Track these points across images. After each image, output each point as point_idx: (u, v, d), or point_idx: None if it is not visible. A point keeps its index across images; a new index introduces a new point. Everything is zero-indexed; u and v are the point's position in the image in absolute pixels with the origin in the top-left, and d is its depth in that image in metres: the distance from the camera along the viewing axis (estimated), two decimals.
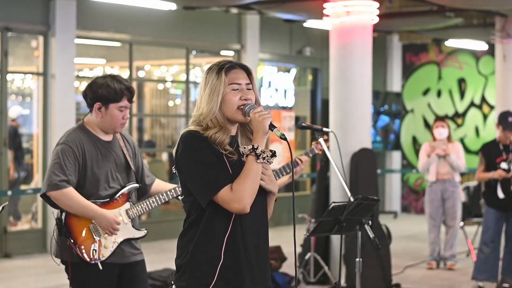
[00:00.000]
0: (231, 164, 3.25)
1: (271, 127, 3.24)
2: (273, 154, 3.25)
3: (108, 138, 4.66)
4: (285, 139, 3.21)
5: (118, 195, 4.62)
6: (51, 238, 4.61)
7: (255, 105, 3.29)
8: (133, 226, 4.67)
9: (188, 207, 3.32)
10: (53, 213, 4.80)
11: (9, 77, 10.92)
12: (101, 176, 4.56)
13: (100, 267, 4.50)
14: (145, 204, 4.69)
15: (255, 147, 3.21)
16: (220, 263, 3.21)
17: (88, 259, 4.49)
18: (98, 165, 4.56)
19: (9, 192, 10.36)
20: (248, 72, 3.34)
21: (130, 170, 4.70)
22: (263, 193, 3.32)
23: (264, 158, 3.21)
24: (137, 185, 4.72)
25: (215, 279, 3.21)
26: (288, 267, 9.01)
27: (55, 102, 10.88)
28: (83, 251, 4.50)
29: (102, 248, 4.53)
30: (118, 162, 4.65)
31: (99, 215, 4.50)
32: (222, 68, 3.30)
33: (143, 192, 4.83)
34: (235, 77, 3.29)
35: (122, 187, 4.64)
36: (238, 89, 3.29)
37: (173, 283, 3.33)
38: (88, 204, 4.49)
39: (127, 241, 4.62)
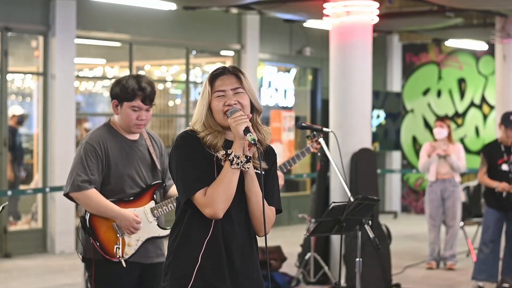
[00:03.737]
0: (219, 168, 3.24)
1: (246, 131, 3.20)
2: (248, 159, 3.22)
3: (133, 137, 4.68)
4: (255, 144, 3.18)
5: (143, 193, 4.63)
6: (76, 236, 4.61)
7: (238, 109, 3.26)
8: (158, 225, 4.67)
9: (176, 207, 3.36)
10: (77, 211, 4.79)
11: (9, 77, 10.92)
12: (126, 174, 4.57)
13: (124, 265, 4.50)
14: (170, 203, 4.68)
15: (229, 152, 3.20)
16: (198, 265, 3.22)
17: (111, 257, 4.50)
18: (123, 164, 4.57)
19: (9, 192, 10.36)
20: (237, 76, 3.33)
21: (156, 169, 4.70)
22: (245, 198, 3.29)
23: (238, 164, 3.19)
24: (162, 184, 4.72)
25: (192, 280, 3.22)
26: (288, 267, 9.01)
27: (55, 102, 10.88)
28: (107, 249, 4.51)
29: (126, 246, 4.54)
30: (143, 161, 4.66)
31: (119, 215, 4.51)
32: (210, 77, 3.34)
33: (163, 193, 4.83)
34: (220, 84, 3.31)
35: (148, 186, 4.65)
36: (223, 95, 3.30)
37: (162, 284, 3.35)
38: (108, 204, 4.50)
39: (152, 241, 4.63)
